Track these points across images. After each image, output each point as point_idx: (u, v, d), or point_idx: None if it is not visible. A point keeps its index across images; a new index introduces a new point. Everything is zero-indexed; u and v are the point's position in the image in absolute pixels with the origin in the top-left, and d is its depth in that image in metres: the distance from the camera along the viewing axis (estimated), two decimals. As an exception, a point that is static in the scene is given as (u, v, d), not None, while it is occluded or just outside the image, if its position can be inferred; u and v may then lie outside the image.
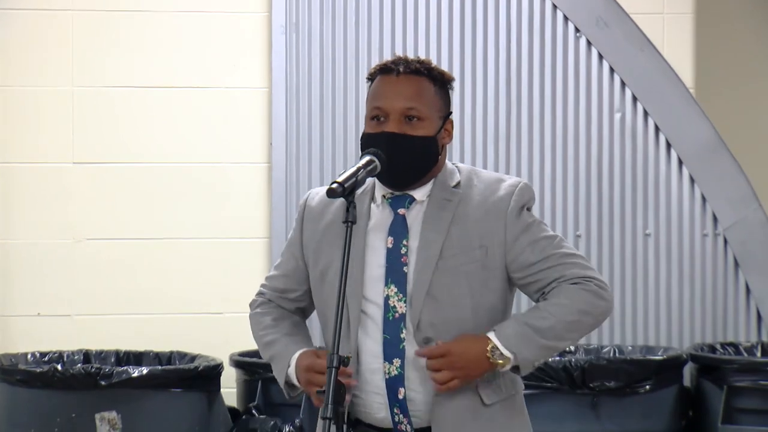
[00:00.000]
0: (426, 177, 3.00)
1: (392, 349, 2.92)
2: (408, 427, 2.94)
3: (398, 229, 2.97)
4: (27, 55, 6.18)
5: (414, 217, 2.98)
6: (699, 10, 6.44)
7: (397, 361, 2.92)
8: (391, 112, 2.94)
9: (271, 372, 5.73)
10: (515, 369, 2.91)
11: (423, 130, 2.96)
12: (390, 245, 2.96)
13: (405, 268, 2.94)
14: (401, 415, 2.94)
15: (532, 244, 2.94)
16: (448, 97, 3.04)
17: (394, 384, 2.93)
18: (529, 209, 2.99)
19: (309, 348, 3.03)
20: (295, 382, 3.00)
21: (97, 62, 6.20)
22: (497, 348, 2.86)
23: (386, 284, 2.94)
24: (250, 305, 3.21)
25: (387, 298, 2.94)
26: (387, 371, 2.93)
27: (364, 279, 2.96)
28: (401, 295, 2.93)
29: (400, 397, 2.92)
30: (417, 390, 2.93)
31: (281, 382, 3.05)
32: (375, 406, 2.96)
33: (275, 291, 3.16)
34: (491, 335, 2.87)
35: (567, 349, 6.20)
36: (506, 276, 2.97)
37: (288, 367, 3.01)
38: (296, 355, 3.00)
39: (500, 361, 2.86)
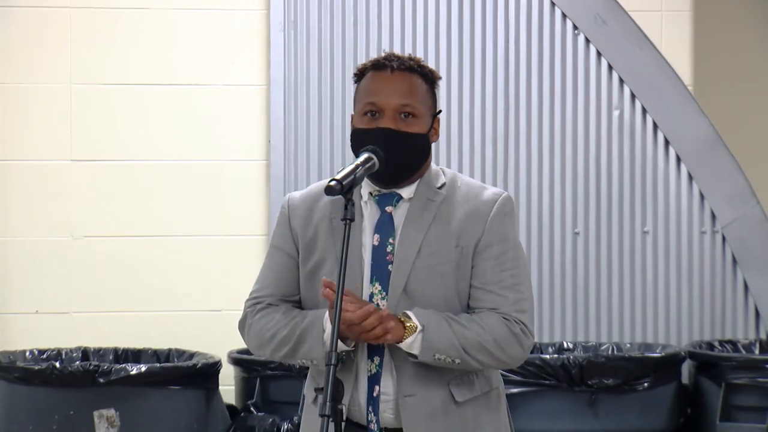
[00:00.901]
0: (415, 175, 2.99)
1: (374, 346, 2.92)
2: (375, 426, 2.93)
3: (385, 227, 2.96)
4: (25, 53, 6.17)
5: (401, 215, 2.97)
6: (697, 8, 6.44)
7: (377, 359, 2.93)
8: (386, 108, 2.93)
9: (270, 369, 5.80)
10: (413, 356, 2.87)
11: (417, 128, 2.95)
12: (376, 243, 2.95)
13: (390, 267, 2.93)
14: (372, 414, 2.93)
15: (497, 259, 2.94)
16: (436, 95, 3.04)
17: (372, 381, 2.93)
18: (512, 221, 2.98)
19: None
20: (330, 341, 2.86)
21: (96, 60, 6.20)
22: (409, 316, 2.86)
23: (371, 282, 2.94)
24: (242, 321, 3.07)
25: (371, 295, 2.93)
26: (369, 368, 2.93)
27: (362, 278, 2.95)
28: (384, 293, 2.92)
29: (375, 394, 2.93)
30: (390, 389, 2.93)
31: (319, 355, 2.90)
32: (360, 402, 2.95)
33: (273, 296, 3.05)
34: (408, 310, 2.88)
35: (565, 346, 6.21)
36: None
37: (323, 332, 2.89)
38: (326, 314, 2.89)
39: (408, 324, 2.84)
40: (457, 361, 2.87)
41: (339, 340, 2.79)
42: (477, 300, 2.94)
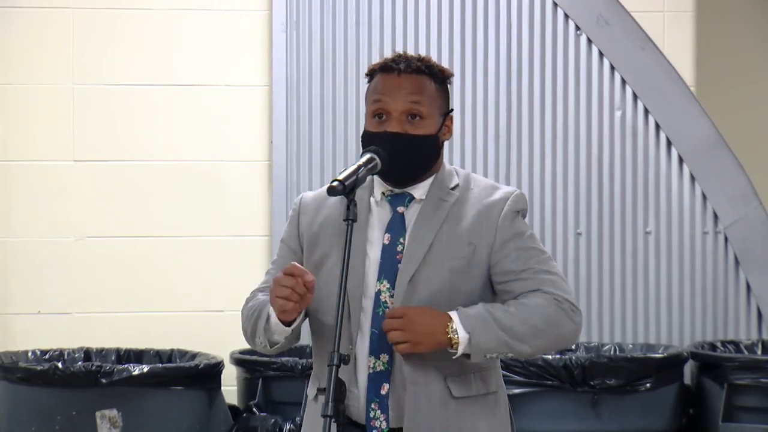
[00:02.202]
0: (426, 174, 3.01)
1: (380, 343, 2.92)
2: (383, 423, 2.93)
3: (396, 227, 2.98)
4: (27, 53, 6.18)
5: (412, 215, 2.99)
6: (699, 8, 6.44)
7: (384, 357, 2.93)
8: (393, 111, 2.95)
9: (272, 370, 5.81)
10: (466, 356, 2.88)
11: (424, 129, 2.97)
12: (387, 242, 2.97)
13: (399, 265, 2.94)
14: (378, 411, 2.93)
15: (519, 251, 2.95)
16: (448, 93, 3.05)
17: (377, 379, 2.93)
18: (523, 217, 3.01)
19: None
20: (278, 325, 2.91)
21: (98, 60, 6.20)
22: (456, 326, 2.86)
23: (379, 279, 2.95)
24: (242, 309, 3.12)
25: (378, 292, 2.94)
26: (372, 366, 2.93)
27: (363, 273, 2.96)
28: (392, 290, 2.93)
29: (383, 392, 2.92)
30: (398, 384, 2.92)
31: (269, 338, 2.95)
32: (360, 400, 2.94)
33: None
34: (453, 313, 2.87)
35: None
36: (488, 278, 2.97)
37: (267, 319, 2.93)
38: (269, 302, 2.92)
39: (455, 338, 2.84)
40: (510, 354, 2.90)
41: (281, 323, 2.88)
42: (514, 291, 2.94)
